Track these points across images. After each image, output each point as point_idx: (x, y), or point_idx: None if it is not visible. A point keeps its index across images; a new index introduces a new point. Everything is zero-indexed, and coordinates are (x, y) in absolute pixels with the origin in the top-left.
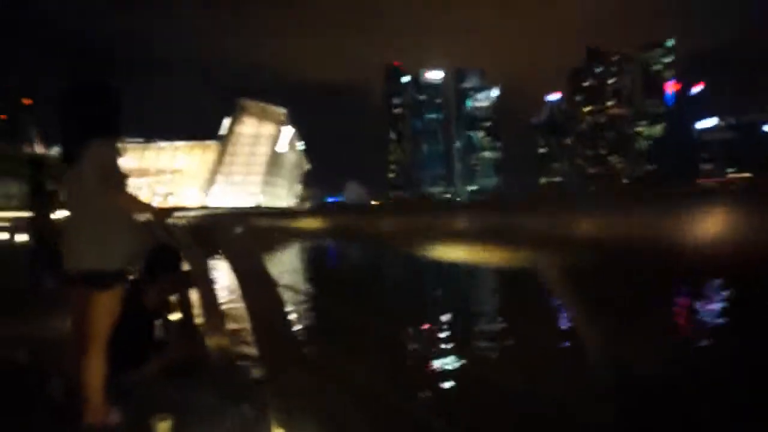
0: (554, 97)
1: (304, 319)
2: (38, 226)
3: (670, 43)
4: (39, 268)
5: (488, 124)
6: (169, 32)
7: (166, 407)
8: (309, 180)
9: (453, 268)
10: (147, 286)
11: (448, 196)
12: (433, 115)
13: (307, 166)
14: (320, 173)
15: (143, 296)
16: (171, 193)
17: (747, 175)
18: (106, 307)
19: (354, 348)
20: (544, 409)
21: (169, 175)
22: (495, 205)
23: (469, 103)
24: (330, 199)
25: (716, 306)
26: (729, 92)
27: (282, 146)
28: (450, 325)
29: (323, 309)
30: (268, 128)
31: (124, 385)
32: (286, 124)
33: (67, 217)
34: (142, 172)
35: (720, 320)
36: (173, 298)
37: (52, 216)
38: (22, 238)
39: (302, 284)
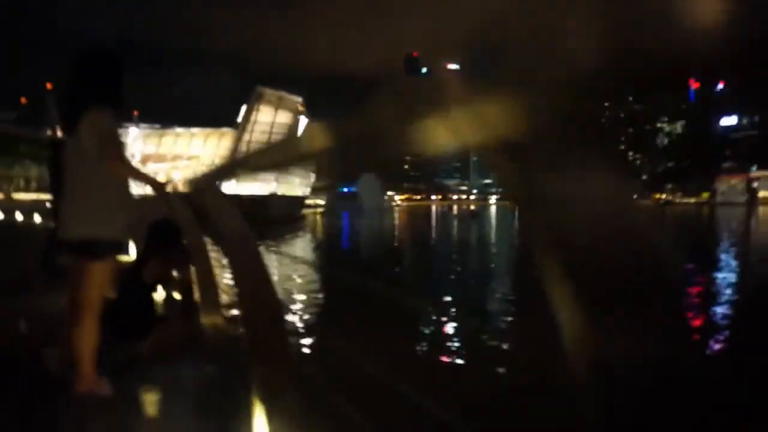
0: None
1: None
2: (57, 209)
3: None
4: (56, 249)
5: None
6: (190, 21)
7: (157, 381)
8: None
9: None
10: (147, 260)
11: (464, 188)
12: None
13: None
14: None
15: (143, 271)
16: (187, 179)
17: None
18: (99, 278)
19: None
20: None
21: (185, 161)
22: None
23: None
24: (344, 190)
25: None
26: (754, 90)
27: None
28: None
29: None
30: (284, 117)
31: (119, 358)
32: (303, 113)
33: (65, 186)
34: (160, 158)
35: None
36: (174, 274)
37: None
38: (39, 219)
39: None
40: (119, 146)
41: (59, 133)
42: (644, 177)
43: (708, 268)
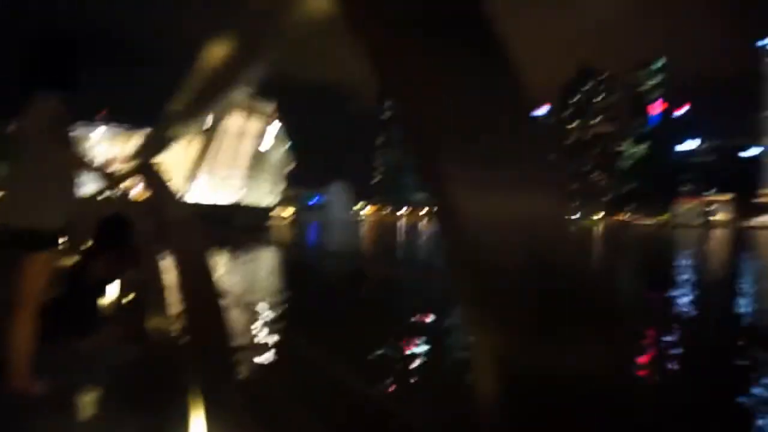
0: (542, 110)
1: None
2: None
3: (660, 63)
4: None
5: None
6: (155, 21)
7: (95, 381)
8: (293, 179)
9: None
10: (94, 257)
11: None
12: None
13: (291, 165)
14: (305, 173)
15: (89, 268)
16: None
17: (726, 197)
18: (37, 271)
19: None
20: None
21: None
22: None
23: None
24: (313, 199)
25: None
26: (713, 115)
27: (267, 143)
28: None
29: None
30: (254, 124)
31: (59, 357)
32: (273, 121)
33: (6, 174)
34: (126, 160)
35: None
36: (122, 273)
37: None
38: None
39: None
40: (67, 135)
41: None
42: (608, 197)
43: (644, 290)
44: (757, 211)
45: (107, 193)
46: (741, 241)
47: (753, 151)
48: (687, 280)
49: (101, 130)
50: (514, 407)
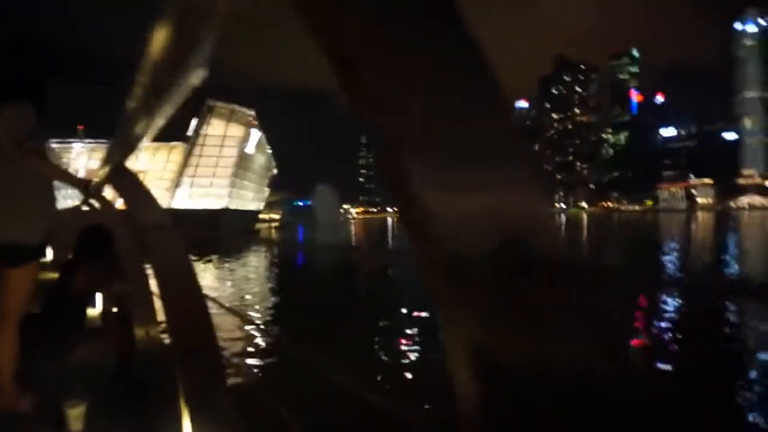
0: (523, 104)
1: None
2: None
3: (636, 52)
4: None
5: None
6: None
7: (82, 396)
8: (277, 184)
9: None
10: (76, 269)
11: None
12: None
13: (275, 170)
14: (289, 177)
15: (71, 281)
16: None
17: (707, 181)
18: (17, 285)
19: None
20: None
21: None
22: None
23: None
24: (299, 203)
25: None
26: (691, 101)
27: (250, 149)
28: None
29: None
30: (236, 130)
31: (44, 371)
32: (255, 126)
33: None
34: (98, 170)
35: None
36: (106, 284)
37: None
38: None
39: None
40: (38, 145)
41: None
42: (591, 186)
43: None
44: (739, 193)
45: (86, 205)
46: (724, 222)
47: (732, 135)
48: (678, 256)
49: (80, 145)
50: (493, 403)
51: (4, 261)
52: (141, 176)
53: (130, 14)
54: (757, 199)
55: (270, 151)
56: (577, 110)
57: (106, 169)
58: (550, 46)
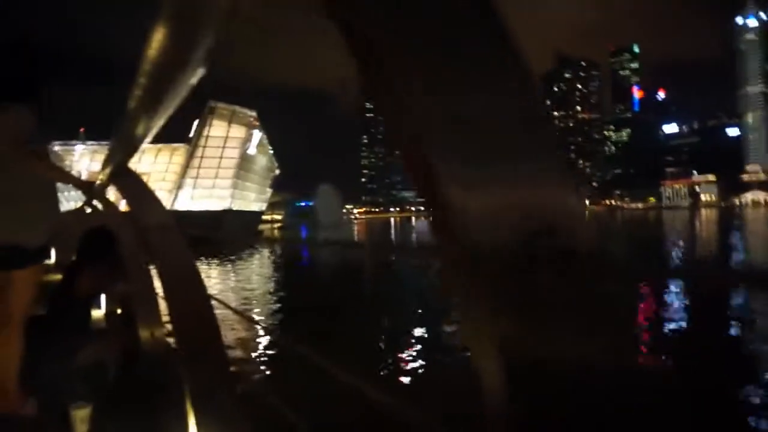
0: None
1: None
2: None
3: (636, 48)
4: None
5: None
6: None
7: (88, 399)
8: (280, 184)
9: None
10: (80, 271)
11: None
12: None
13: (277, 171)
14: (291, 178)
15: (75, 283)
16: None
17: (711, 177)
18: (23, 288)
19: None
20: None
21: None
22: None
23: None
24: (302, 203)
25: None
26: (694, 97)
27: (252, 150)
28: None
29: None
30: (237, 131)
31: (48, 374)
32: (257, 127)
33: None
34: (100, 171)
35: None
36: (110, 286)
37: None
38: None
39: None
40: (40, 147)
41: None
42: (594, 184)
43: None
44: (743, 189)
45: (89, 206)
46: (729, 218)
47: (734, 130)
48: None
49: (82, 147)
50: (519, 397)
51: (7, 263)
52: (144, 178)
53: (131, 14)
54: (761, 195)
55: (272, 152)
56: (578, 107)
57: (109, 171)
58: (550, 43)
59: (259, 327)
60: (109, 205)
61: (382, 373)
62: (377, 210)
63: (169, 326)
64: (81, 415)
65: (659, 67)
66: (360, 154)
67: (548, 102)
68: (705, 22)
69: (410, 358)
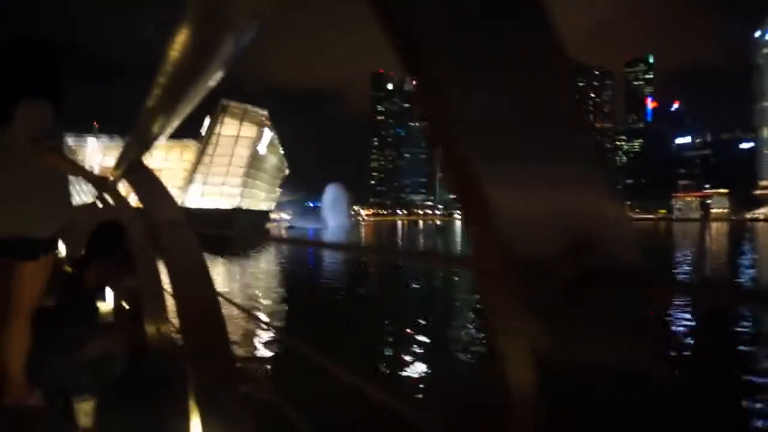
0: None
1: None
2: None
3: (651, 58)
4: None
5: None
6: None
7: (93, 390)
8: (289, 184)
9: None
10: (89, 265)
11: (429, 203)
12: (416, 123)
13: (287, 170)
14: (301, 178)
15: (84, 276)
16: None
17: (723, 190)
18: (30, 279)
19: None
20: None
21: None
22: None
23: None
24: (311, 203)
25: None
26: (708, 109)
27: (263, 149)
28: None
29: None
30: (249, 130)
31: (54, 366)
32: (268, 126)
33: None
34: (114, 166)
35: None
36: (119, 280)
37: None
38: None
39: None
40: (56, 141)
41: None
42: None
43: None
44: (755, 204)
45: (101, 201)
46: (740, 232)
47: (749, 144)
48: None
49: (94, 141)
50: (550, 400)
51: (17, 255)
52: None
53: (144, 13)
54: None
55: (282, 152)
56: (591, 116)
57: (123, 166)
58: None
59: (264, 325)
60: (121, 200)
61: (383, 372)
62: (385, 212)
63: (175, 322)
64: (85, 408)
65: (674, 79)
66: (370, 156)
67: None
68: (722, 35)
69: (412, 358)
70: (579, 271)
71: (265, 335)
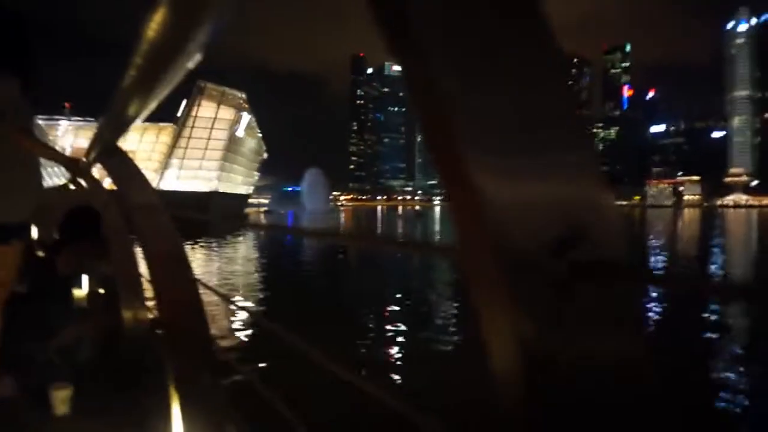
0: None
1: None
2: None
3: (627, 47)
4: None
5: None
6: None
7: (68, 378)
8: (267, 168)
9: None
10: (62, 250)
11: (409, 189)
12: (396, 108)
13: (265, 154)
14: (279, 162)
15: (57, 261)
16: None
17: (695, 178)
18: (2, 264)
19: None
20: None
21: None
22: None
23: None
24: (289, 188)
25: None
26: (682, 98)
27: (240, 132)
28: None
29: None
30: (226, 112)
31: (27, 354)
32: (246, 109)
33: None
34: (89, 149)
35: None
36: (93, 265)
37: None
38: None
39: None
40: (24, 120)
41: None
42: None
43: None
44: (726, 191)
45: (73, 184)
46: (709, 218)
47: (720, 133)
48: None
49: (66, 123)
50: (538, 394)
51: None
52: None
53: None
54: (742, 198)
55: (260, 135)
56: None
57: (97, 149)
58: None
59: (242, 311)
60: (95, 184)
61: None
62: (364, 197)
63: (153, 308)
64: (61, 396)
65: (650, 68)
66: (349, 141)
67: None
68: (697, 26)
69: (396, 351)
70: (569, 265)
71: (245, 321)
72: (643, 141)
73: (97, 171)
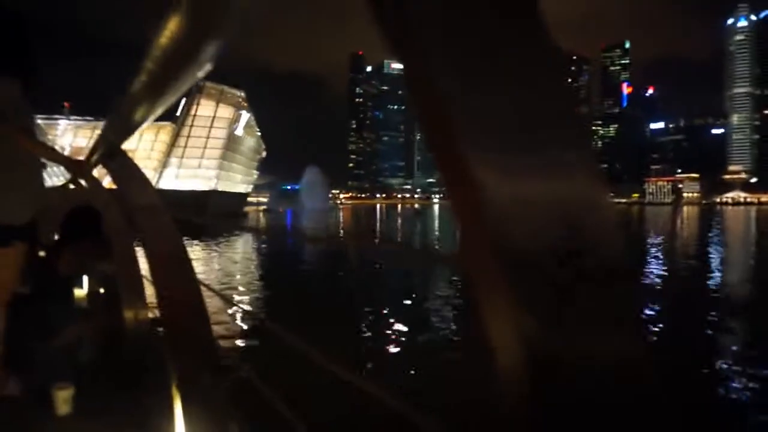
0: None
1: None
2: None
3: (626, 44)
4: None
5: None
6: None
7: (71, 378)
8: (266, 167)
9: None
10: (63, 250)
11: (408, 187)
12: (395, 107)
13: (264, 153)
14: (278, 160)
15: (58, 261)
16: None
17: (694, 175)
18: (6, 265)
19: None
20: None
21: None
22: None
23: None
24: (288, 186)
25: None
26: (682, 95)
27: (239, 130)
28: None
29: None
30: (225, 111)
31: (31, 354)
32: (245, 108)
33: None
34: (91, 149)
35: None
36: (95, 265)
37: None
38: None
39: None
40: (24, 121)
41: None
42: None
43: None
44: (725, 188)
45: (74, 184)
46: (709, 216)
47: (719, 130)
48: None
49: (66, 122)
50: (542, 393)
51: None
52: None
53: None
54: (741, 195)
55: (259, 134)
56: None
57: (101, 151)
58: None
59: (242, 311)
60: (96, 184)
61: (356, 357)
62: (363, 196)
63: (154, 308)
64: (64, 396)
65: (649, 65)
66: (348, 139)
67: None
68: (696, 23)
69: (395, 348)
70: (571, 267)
71: (246, 322)
72: (642, 138)
73: (96, 170)
